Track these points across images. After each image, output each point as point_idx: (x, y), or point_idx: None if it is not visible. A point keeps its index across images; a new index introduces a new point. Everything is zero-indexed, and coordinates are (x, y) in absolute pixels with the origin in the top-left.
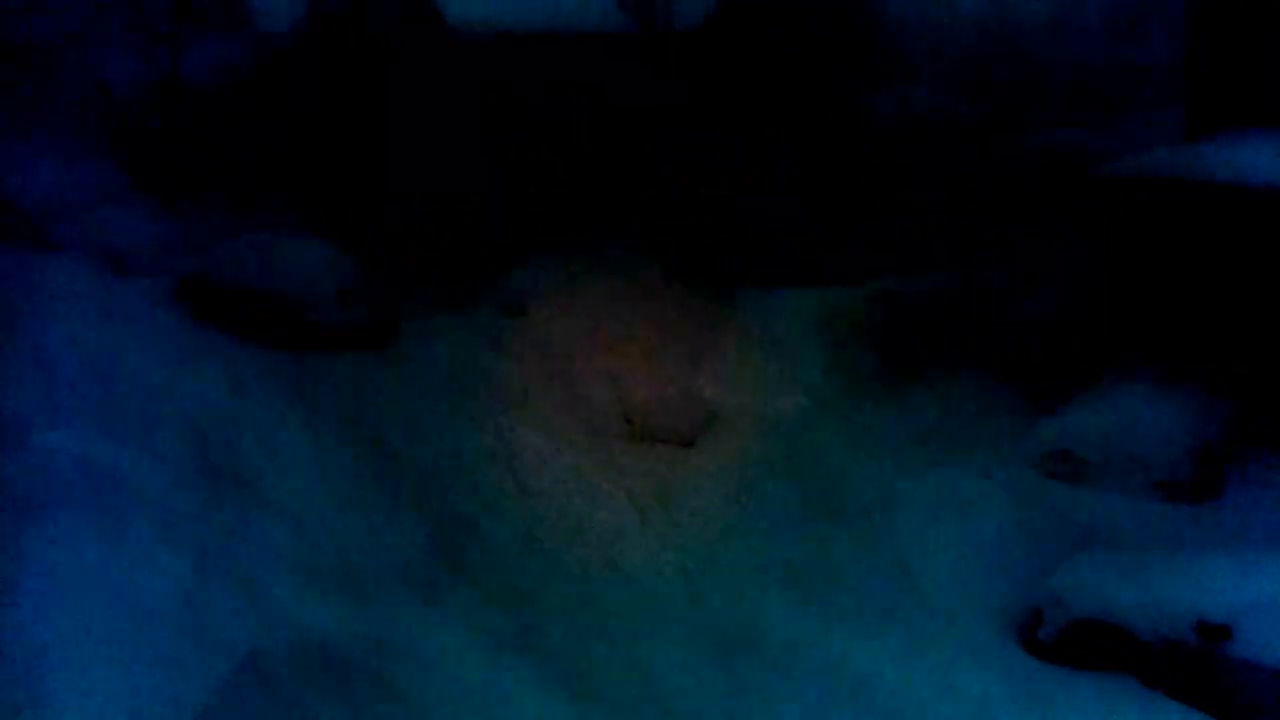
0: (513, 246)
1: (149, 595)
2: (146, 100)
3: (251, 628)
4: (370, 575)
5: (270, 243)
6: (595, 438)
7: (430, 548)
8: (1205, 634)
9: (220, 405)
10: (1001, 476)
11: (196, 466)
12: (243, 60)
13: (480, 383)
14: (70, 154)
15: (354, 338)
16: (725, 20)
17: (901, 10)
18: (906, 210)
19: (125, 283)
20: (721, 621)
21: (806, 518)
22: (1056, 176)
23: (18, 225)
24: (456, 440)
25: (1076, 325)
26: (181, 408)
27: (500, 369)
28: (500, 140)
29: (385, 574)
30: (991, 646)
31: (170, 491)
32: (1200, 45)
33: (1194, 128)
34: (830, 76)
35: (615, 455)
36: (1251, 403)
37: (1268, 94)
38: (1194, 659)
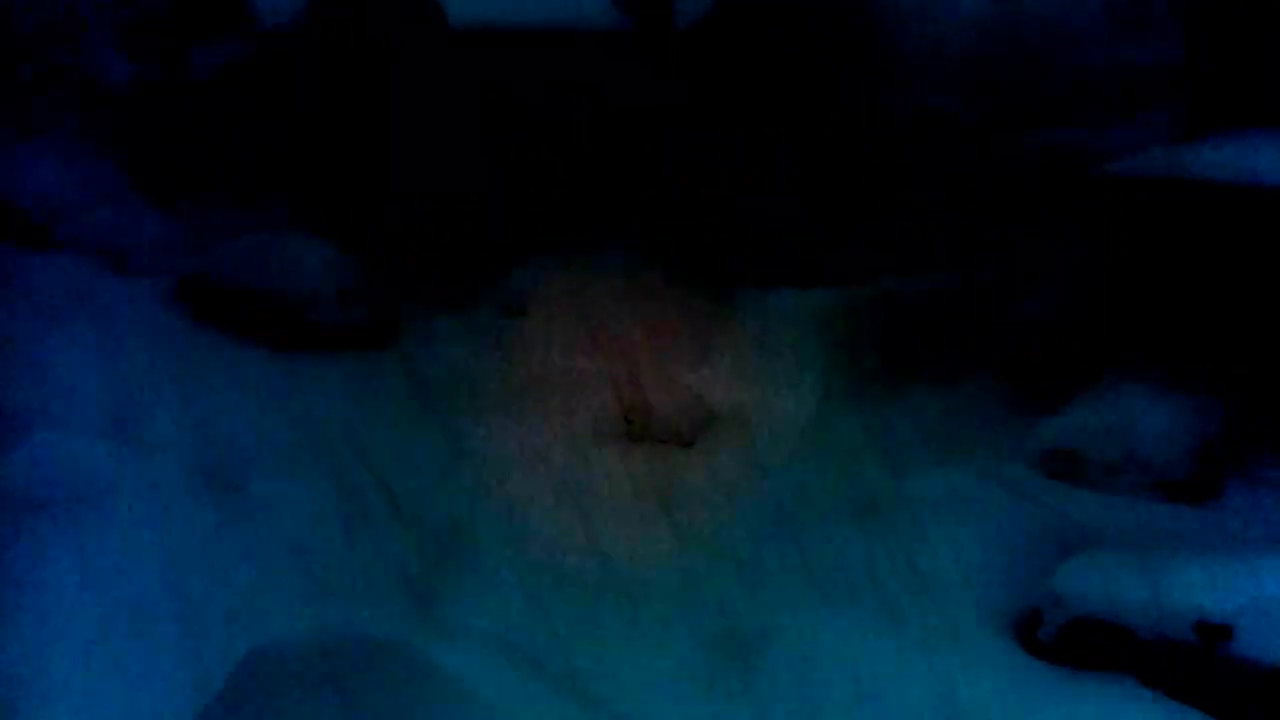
0: (513, 246)
1: (148, 596)
2: (146, 100)
3: (251, 628)
4: (369, 576)
5: (270, 243)
6: (595, 438)
7: (429, 549)
8: (1205, 634)
9: (220, 406)
10: (1002, 476)
11: (196, 467)
12: (243, 60)
13: (480, 383)
14: (70, 154)
15: (354, 338)
16: (724, 20)
17: (901, 10)
18: (906, 210)
19: (125, 283)
20: (721, 621)
21: (807, 518)
22: (1056, 176)
23: (18, 225)
24: (456, 441)
25: (1076, 325)
26: (181, 408)
27: (500, 369)
28: (500, 140)
29: (384, 575)
30: (992, 646)
31: (170, 492)
32: (1200, 45)
33: (1194, 128)
34: (830, 76)
35: (615, 455)
36: (1251, 403)
37: (1268, 94)
38: (1194, 659)
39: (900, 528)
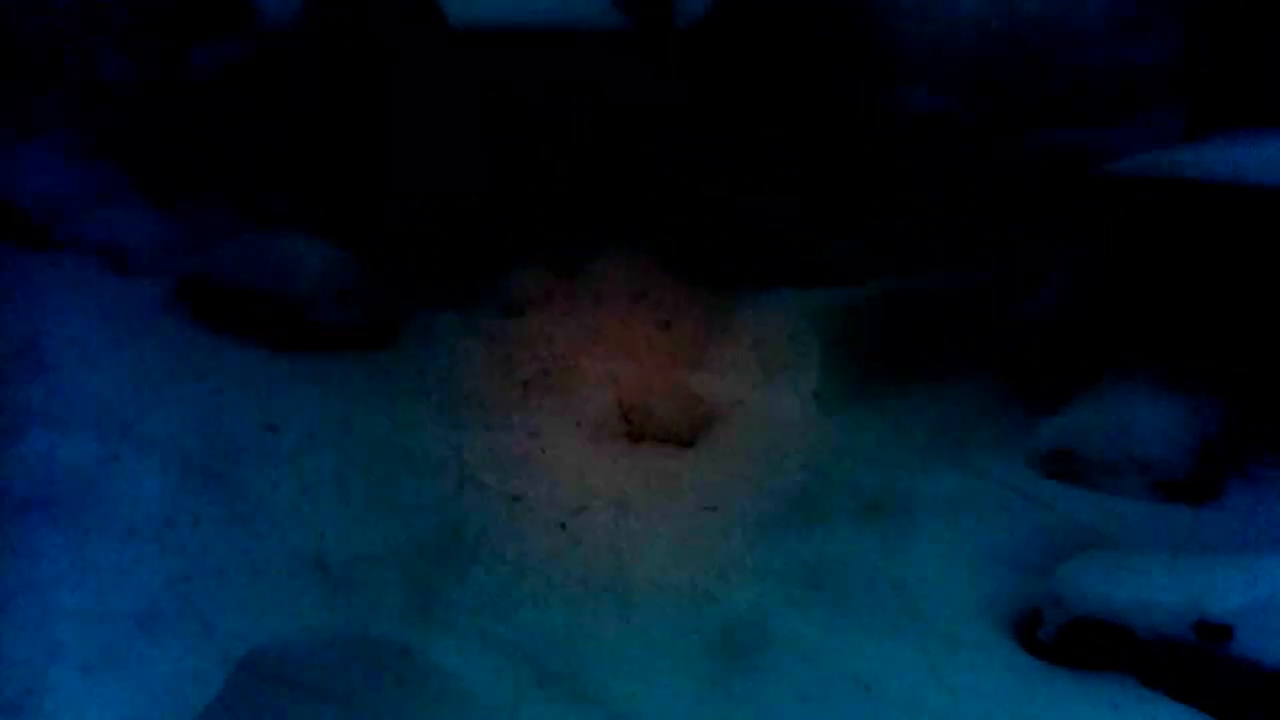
0: (513, 246)
1: (148, 596)
2: (146, 100)
3: (251, 628)
4: (369, 577)
5: (270, 243)
6: (595, 438)
7: (429, 550)
8: (1205, 634)
9: (219, 405)
10: (1002, 476)
11: (196, 467)
12: (243, 59)
13: (479, 383)
14: (70, 154)
15: (353, 338)
16: (724, 20)
17: (901, 10)
18: (906, 210)
19: (125, 283)
20: (722, 622)
21: (807, 518)
22: (1056, 176)
23: (18, 225)
24: (455, 441)
25: (1076, 325)
26: (181, 408)
27: (500, 369)
28: (500, 140)
29: (384, 576)
30: (991, 646)
31: (170, 492)
32: (1200, 45)
33: (1194, 128)
34: (830, 76)
35: (615, 455)
36: (1251, 403)
37: (1268, 94)
38: (1194, 659)
39: (900, 528)
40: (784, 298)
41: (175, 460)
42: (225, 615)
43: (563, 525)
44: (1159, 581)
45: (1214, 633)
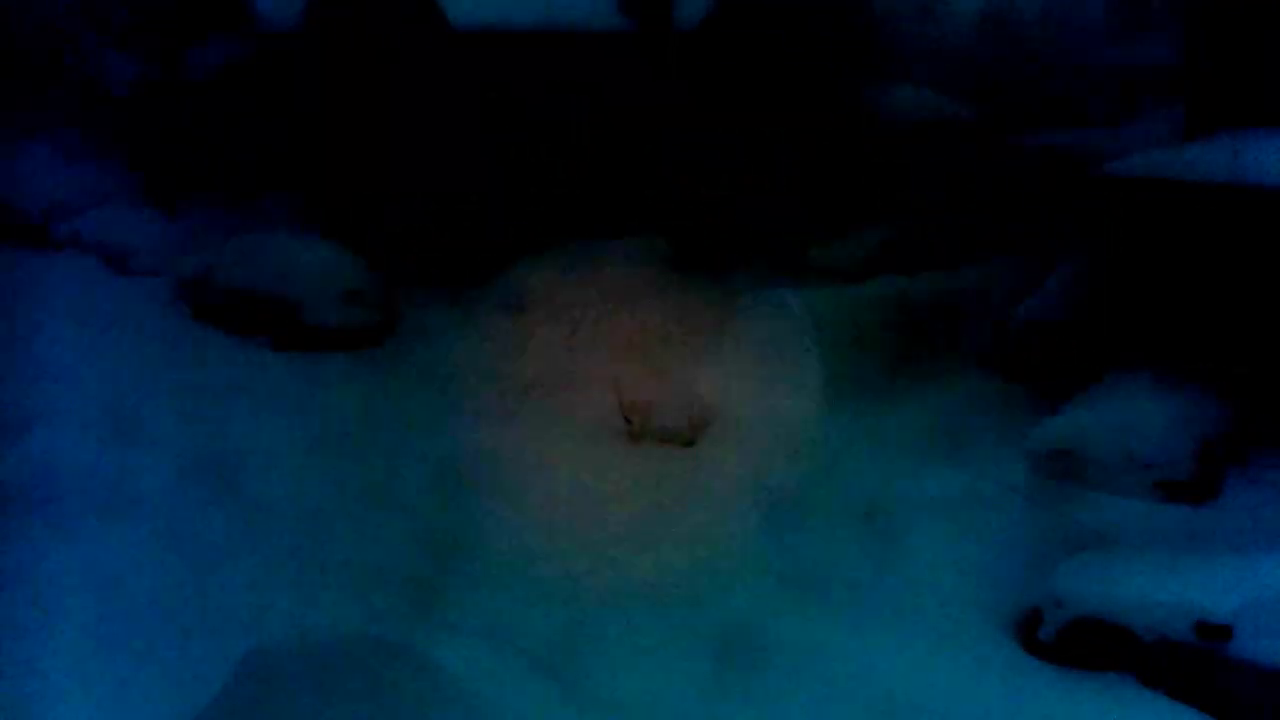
0: (513, 245)
1: (149, 595)
2: (146, 100)
3: (251, 628)
4: (369, 576)
5: (271, 243)
6: (595, 438)
7: (429, 548)
8: (1205, 634)
9: (219, 405)
10: (1002, 476)
11: (196, 467)
12: (243, 60)
13: (480, 382)
14: (70, 154)
15: (354, 337)
16: (725, 21)
17: (901, 11)
18: (906, 210)
19: (125, 282)
20: (722, 622)
21: (807, 518)
22: (1056, 176)
23: (18, 225)
24: (456, 441)
25: (1076, 325)
26: (181, 408)
27: (500, 368)
28: (500, 140)
29: (384, 575)
30: (991, 646)
31: (170, 492)
32: (1200, 45)
33: (1194, 128)
34: (830, 76)
35: (615, 455)
36: (1252, 402)
37: (1268, 94)
38: (1194, 659)
39: (900, 527)
40: (784, 297)
41: (176, 460)
42: (226, 614)
43: (563, 524)
44: (1159, 581)
45: (1214, 633)
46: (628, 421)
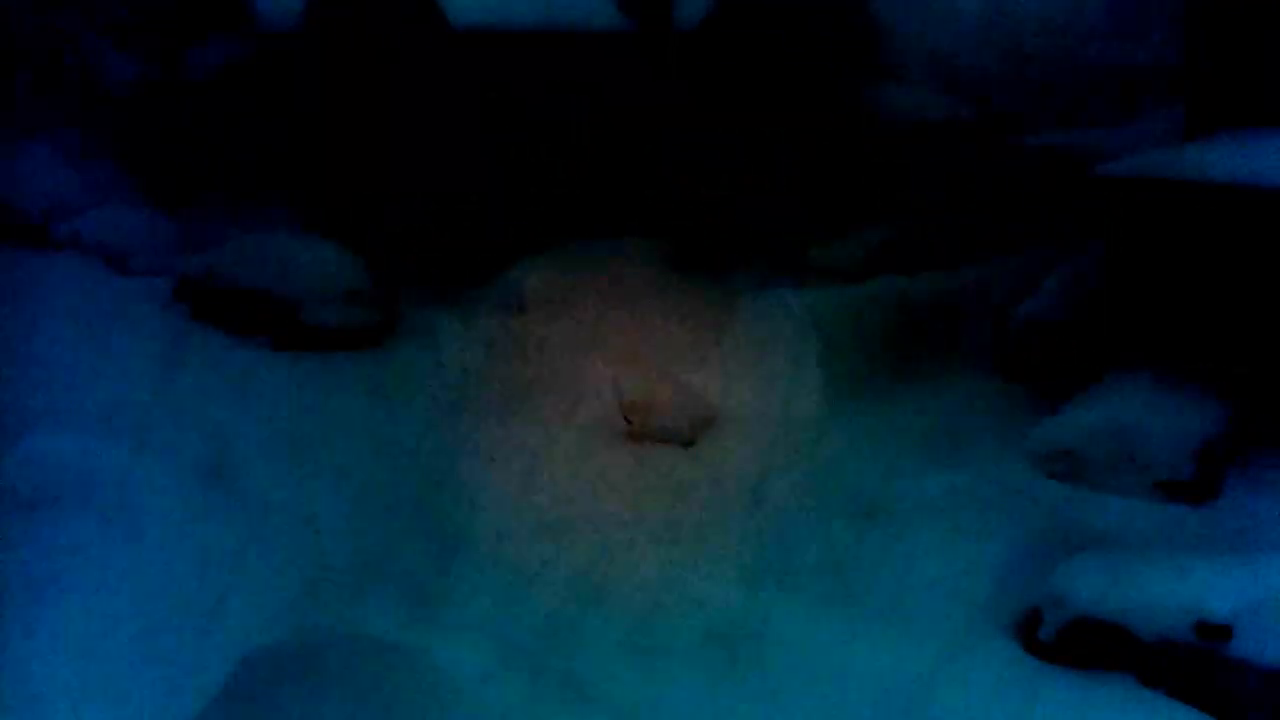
0: (513, 245)
1: (149, 595)
2: (146, 100)
3: (251, 628)
4: (369, 576)
5: (270, 243)
6: (595, 438)
7: (429, 548)
8: (1205, 634)
9: (219, 405)
10: (1002, 476)
11: (195, 467)
12: (243, 60)
13: (480, 382)
14: (70, 154)
15: (353, 337)
16: (725, 21)
17: (902, 11)
18: (906, 210)
19: (125, 282)
20: (723, 622)
21: (807, 518)
22: (1056, 176)
23: (18, 225)
24: (456, 440)
25: (1076, 325)
26: (180, 408)
27: (500, 368)
28: (500, 140)
29: (384, 575)
30: (991, 646)
31: (169, 492)
32: (1200, 45)
33: (1194, 128)
34: (830, 76)
35: (615, 455)
36: (1252, 402)
37: (1268, 94)
38: (1194, 659)
39: (900, 528)
40: (784, 297)
41: (176, 460)
42: (226, 614)
43: (563, 524)
44: (1159, 581)
45: (1214, 633)
46: (628, 421)
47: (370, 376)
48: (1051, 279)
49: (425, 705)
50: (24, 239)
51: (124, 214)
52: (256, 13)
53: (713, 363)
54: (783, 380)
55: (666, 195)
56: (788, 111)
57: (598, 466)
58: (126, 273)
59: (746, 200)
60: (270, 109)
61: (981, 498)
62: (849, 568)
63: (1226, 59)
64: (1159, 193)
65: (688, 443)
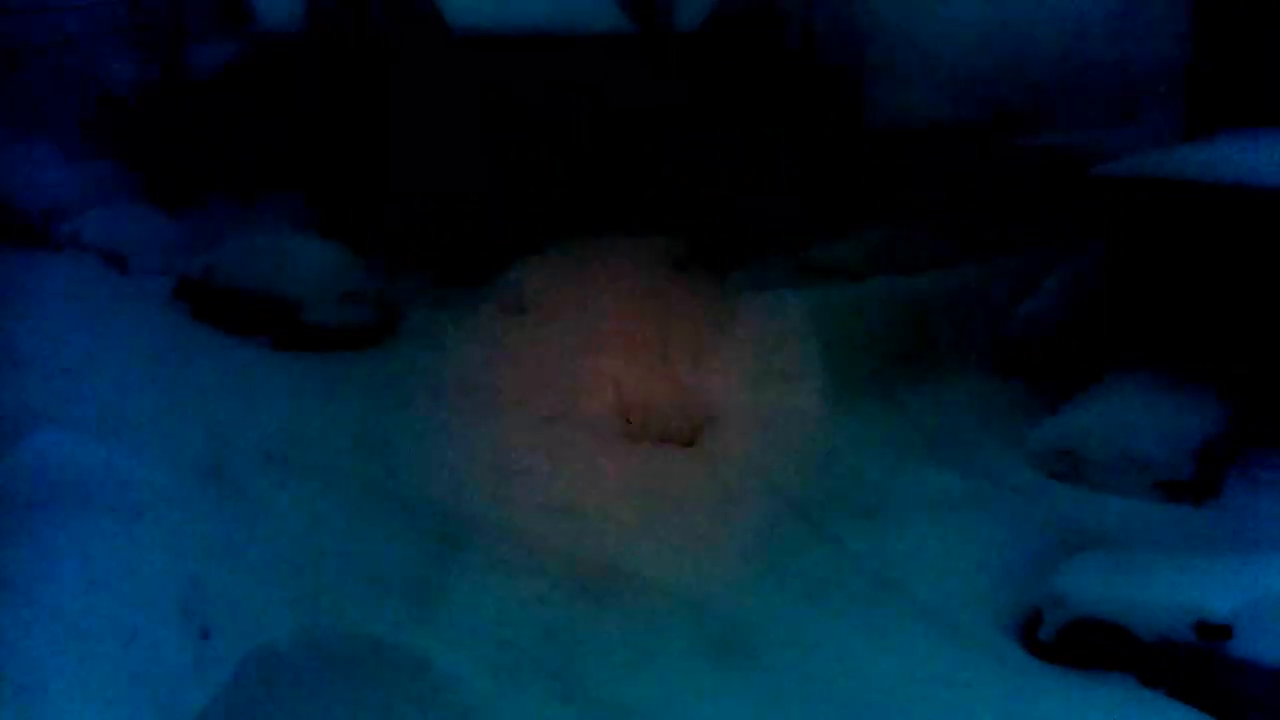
0: (513, 245)
1: (149, 595)
2: (146, 100)
3: (253, 626)
4: (369, 576)
5: (270, 243)
6: (595, 438)
7: (429, 548)
8: (1205, 634)
9: (219, 405)
10: (1001, 476)
11: (195, 467)
12: (243, 60)
13: (480, 382)
14: (70, 154)
15: (353, 337)
16: (725, 22)
17: (902, 12)
18: (906, 210)
19: (125, 282)
20: (722, 621)
21: (807, 518)
22: (1056, 176)
23: (18, 225)
24: (456, 440)
25: (1076, 325)
26: (180, 408)
27: (500, 368)
28: (500, 140)
29: (384, 575)
30: (992, 646)
31: (169, 492)
32: (1200, 45)
33: (1194, 128)
34: (830, 77)
35: (615, 455)
36: (1252, 402)
37: (1268, 94)
38: (1194, 659)
39: (900, 527)
40: (784, 297)
41: (176, 459)
42: (227, 614)
43: (562, 525)
44: (1159, 581)
45: (1214, 633)
46: (628, 421)
47: (370, 376)
48: (1051, 279)
49: (425, 704)
50: (24, 239)
51: (124, 214)
52: (256, 13)
53: (713, 362)
54: (782, 380)
55: (667, 195)
56: (788, 112)
57: (597, 465)
58: (126, 272)
59: (747, 200)
60: (270, 109)
61: (982, 497)
62: (849, 567)
63: (1226, 59)
64: (1159, 193)
65: (688, 442)
